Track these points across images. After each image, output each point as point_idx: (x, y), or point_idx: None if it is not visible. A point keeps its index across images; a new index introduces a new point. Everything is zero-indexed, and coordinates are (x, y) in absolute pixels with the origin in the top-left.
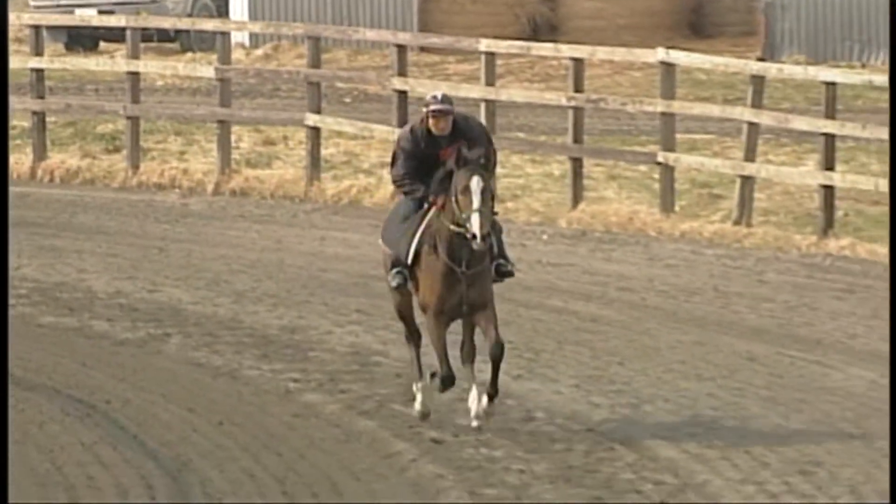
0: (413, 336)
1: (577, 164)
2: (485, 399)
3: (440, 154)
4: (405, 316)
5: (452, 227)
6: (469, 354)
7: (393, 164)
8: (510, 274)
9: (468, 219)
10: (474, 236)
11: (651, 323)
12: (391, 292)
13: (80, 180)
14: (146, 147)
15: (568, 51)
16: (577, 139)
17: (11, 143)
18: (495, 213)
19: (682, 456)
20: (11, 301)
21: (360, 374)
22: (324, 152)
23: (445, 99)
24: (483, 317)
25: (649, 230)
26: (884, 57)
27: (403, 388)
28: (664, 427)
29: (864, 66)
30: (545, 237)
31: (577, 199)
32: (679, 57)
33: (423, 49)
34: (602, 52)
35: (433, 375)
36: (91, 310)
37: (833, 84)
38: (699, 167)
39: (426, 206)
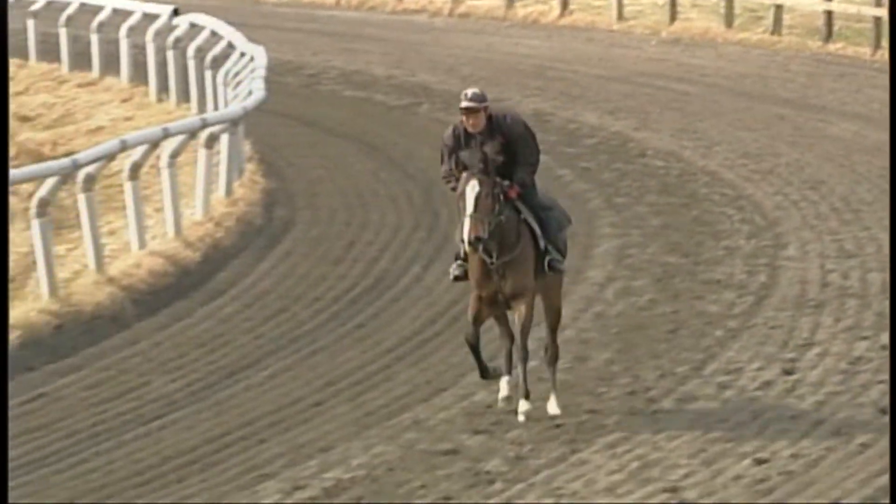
0: (504, 339)
1: None
2: (522, 403)
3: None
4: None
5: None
6: (552, 357)
7: (442, 162)
8: (562, 271)
9: (462, 223)
10: (462, 240)
11: (719, 96)
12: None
13: (366, 7)
14: None
15: None
16: None
17: None
18: (548, 208)
19: (737, 177)
20: (326, 81)
21: (540, 127)
22: None
23: (475, 97)
24: (518, 309)
25: (718, 39)
26: None
27: (567, 138)
28: (727, 159)
29: None
30: (653, 43)
31: (673, 18)
32: None
33: None
34: None
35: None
36: (374, 87)
37: None
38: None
39: None
